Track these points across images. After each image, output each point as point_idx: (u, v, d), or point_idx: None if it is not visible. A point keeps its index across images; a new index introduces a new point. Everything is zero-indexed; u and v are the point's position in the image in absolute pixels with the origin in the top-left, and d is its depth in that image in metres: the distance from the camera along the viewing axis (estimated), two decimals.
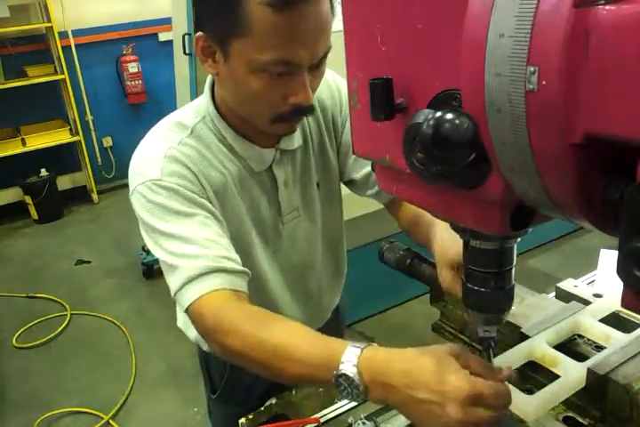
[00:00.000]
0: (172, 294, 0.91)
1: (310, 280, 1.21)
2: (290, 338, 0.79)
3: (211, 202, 0.98)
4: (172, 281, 0.90)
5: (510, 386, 0.71)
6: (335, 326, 1.35)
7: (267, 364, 0.79)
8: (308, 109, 0.94)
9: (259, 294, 1.08)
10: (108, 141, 4.92)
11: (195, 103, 1.05)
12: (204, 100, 1.02)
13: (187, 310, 0.89)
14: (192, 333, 1.09)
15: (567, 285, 0.95)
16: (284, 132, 1.01)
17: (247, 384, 1.22)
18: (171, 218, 0.92)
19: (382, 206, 1.24)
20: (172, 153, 0.96)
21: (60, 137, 4.51)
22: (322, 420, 0.90)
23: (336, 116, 1.14)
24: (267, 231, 1.09)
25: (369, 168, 1.09)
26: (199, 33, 0.89)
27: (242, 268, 0.92)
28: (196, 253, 0.89)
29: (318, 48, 0.85)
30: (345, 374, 0.69)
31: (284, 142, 1.05)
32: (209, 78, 1.03)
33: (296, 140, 1.07)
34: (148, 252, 3.44)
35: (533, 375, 0.81)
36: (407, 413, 0.69)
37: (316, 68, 0.89)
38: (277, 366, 0.78)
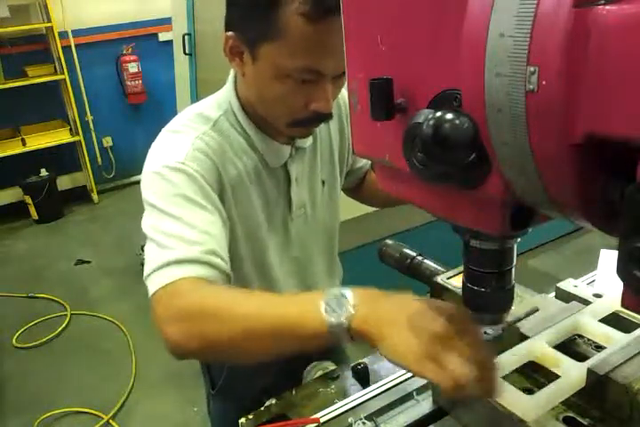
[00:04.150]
0: (150, 270, 0.84)
1: (310, 279, 1.22)
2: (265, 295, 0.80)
3: (224, 197, 0.98)
4: (156, 258, 0.84)
5: (510, 386, 0.71)
6: None
7: (244, 320, 0.74)
8: (327, 117, 0.96)
9: (267, 288, 1.10)
10: (108, 141, 4.92)
11: (216, 96, 1.06)
12: (227, 93, 1.03)
13: (160, 289, 0.81)
14: None
15: (567, 285, 0.95)
16: (300, 135, 1.04)
17: (247, 378, 1.22)
18: (179, 201, 0.89)
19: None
20: (198, 143, 0.96)
21: (60, 137, 4.51)
22: (322, 420, 0.90)
23: (342, 117, 1.17)
24: (276, 227, 1.11)
25: None
26: (230, 32, 0.91)
27: (228, 270, 0.88)
28: (193, 240, 0.85)
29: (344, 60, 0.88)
30: (336, 295, 0.68)
31: (300, 140, 1.08)
32: (231, 73, 1.04)
33: (310, 137, 1.10)
34: None
35: (533, 375, 0.81)
36: (388, 335, 0.64)
37: (339, 78, 0.90)
38: (258, 317, 0.73)
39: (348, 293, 0.68)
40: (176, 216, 0.87)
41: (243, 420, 0.97)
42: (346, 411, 0.92)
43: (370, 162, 1.30)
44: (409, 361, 0.62)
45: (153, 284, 0.83)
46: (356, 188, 1.34)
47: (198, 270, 0.82)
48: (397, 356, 0.63)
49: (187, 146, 0.95)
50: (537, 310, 0.87)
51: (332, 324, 0.66)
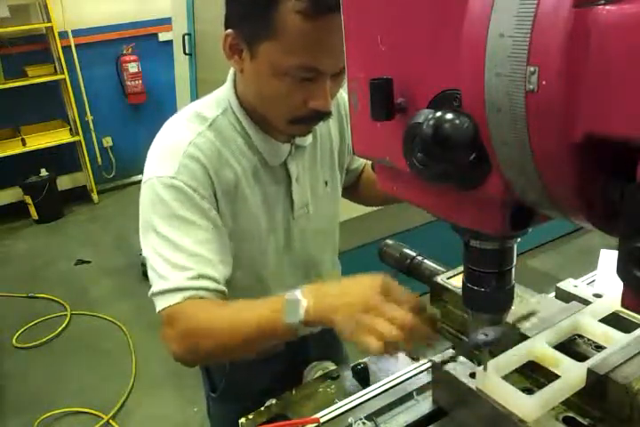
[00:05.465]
0: (150, 294, 0.95)
1: (314, 279, 1.21)
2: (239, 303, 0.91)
3: (218, 202, 0.99)
4: (154, 284, 0.94)
5: (510, 386, 0.71)
6: None
7: (228, 330, 0.87)
8: (326, 115, 0.96)
9: (264, 290, 1.09)
10: (108, 141, 4.92)
11: (215, 95, 1.06)
12: (226, 92, 1.04)
13: (161, 311, 0.93)
14: None
15: (567, 285, 0.95)
16: (300, 133, 1.04)
17: (247, 382, 1.22)
18: (172, 221, 0.94)
19: (382, 207, 1.25)
20: (191, 150, 0.97)
21: (60, 137, 4.51)
22: (322, 420, 0.90)
23: (342, 118, 1.17)
24: (278, 227, 1.10)
25: None
26: (229, 30, 0.92)
27: (221, 287, 0.95)
28: (184, 266, 0.92)
29: (342, 57, 0.87)
30: (290, 299, 0.82)
31: (299, 138, 1.08)
32: (231, 71, 1.04)
33: (309, 136, 1.10)
34: None
35: (533, 375, 0.81)
36: (334, 317, 0.78)
37: (338, 75, 0.91)
38: (237, 323, 0.87)
39: (299, 294, 0.82)
40: (168, 238, 0.94)
41: (243, 420, 0.97)
42: (346, 411, 0.91)
43: (365, 162, 1.30)
44: (350, 336, 0.76)
45: (156, 305, 0.94)
46: (350, 188, 1.34)
47: (190, 294, 0.91)
48: (343, 333, 0.77)
49: (179, 153, 0.96)
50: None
51: (294, 324, 0.81)
